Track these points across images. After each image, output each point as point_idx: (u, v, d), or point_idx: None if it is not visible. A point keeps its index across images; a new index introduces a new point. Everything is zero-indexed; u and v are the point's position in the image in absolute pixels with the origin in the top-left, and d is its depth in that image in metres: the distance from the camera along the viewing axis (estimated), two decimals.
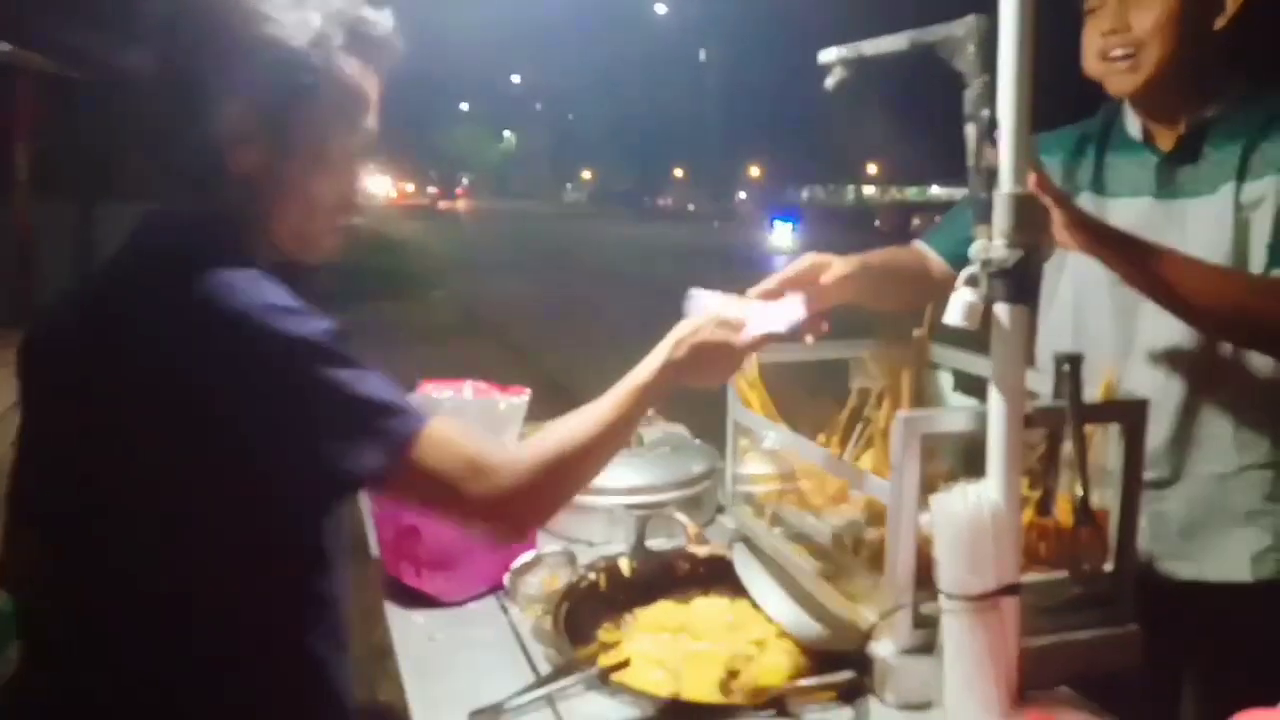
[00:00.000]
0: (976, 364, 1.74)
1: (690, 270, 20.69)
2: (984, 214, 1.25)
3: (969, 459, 1.42)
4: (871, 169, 57.09)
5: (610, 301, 13.95)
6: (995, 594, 1.28)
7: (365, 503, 1.96)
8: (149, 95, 1.16)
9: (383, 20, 1.23)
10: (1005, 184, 1.24)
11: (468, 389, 2.06)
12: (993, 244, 1.25)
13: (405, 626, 1.64)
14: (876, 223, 37.21)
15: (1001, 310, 1.26)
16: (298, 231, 1.23)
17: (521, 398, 2.04)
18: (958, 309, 1.25)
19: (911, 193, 57.82)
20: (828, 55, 1.42)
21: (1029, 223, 1.24)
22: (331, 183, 1.22)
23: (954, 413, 1.48)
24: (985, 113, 1.25)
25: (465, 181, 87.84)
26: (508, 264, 20.64)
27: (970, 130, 1.26)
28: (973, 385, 1.77)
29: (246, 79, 1.12)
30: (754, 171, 58.74)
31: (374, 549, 1.87)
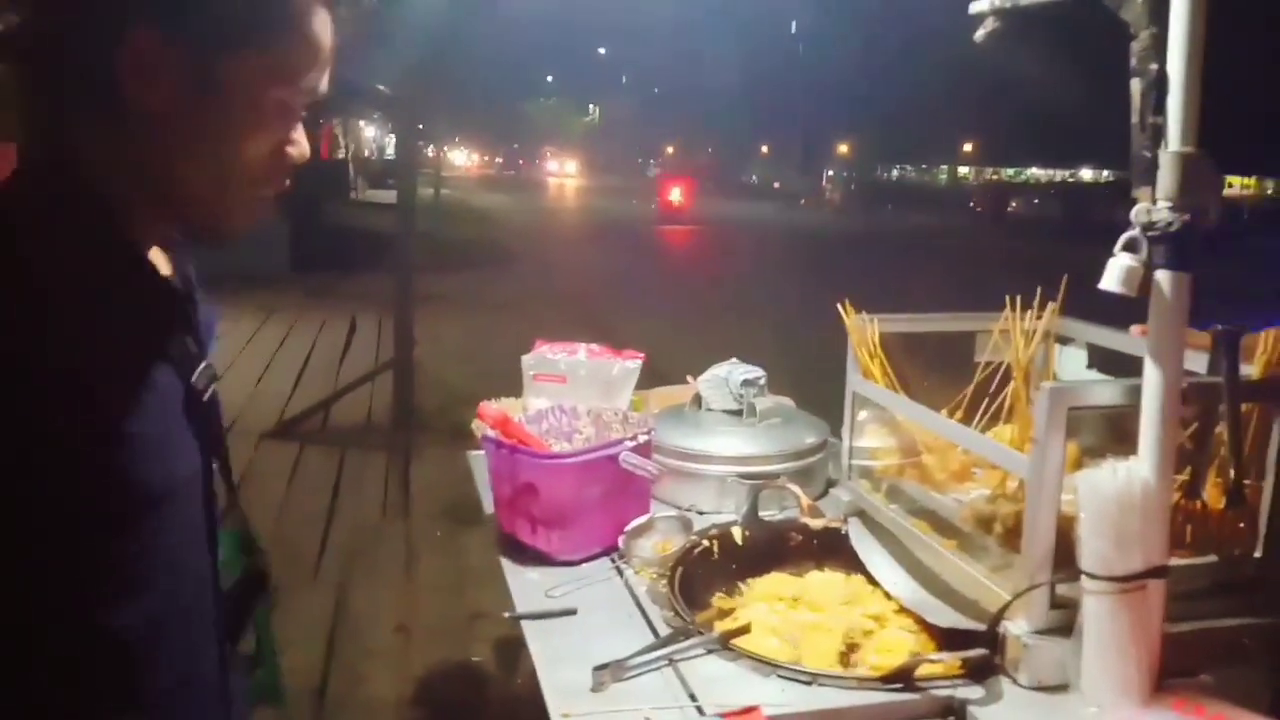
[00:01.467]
0: (1114, 339, 1.68)
1: (772, 248, 20.65)
2: (1148, 174, 1.19)
3: (1110, 436, 1.36)
4: (967, 148, 55.60)
5: (688, 278, 13.90)
6: (1141, 575, 1.23)
7: (481, 461, 1.97)
8: None
9: None
10: (1173, 142, 1.17)
11: (582, 351, 2.06)
12: (1155, 206, 1.19)
13: (522, 583, 1.65)
14: (972, 204, 36.30)
15: (1163, 277, 1.19)
16: (205, 198, 0.95)
17: (635, 361, 2.03)
18: (1115, 274, 1.19)
19: (1009, 173, 56.25)
20: (980, 6, 1.36)
21: (1196, 184, 1.17)
22: (258, 142, 0.95)
23: (1103, 385, 1.41)
24: (1153, 66, 1.18)
25: (549, 154, 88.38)
26: (584, 238, 20.71)
27: (1135, 85, 1.20)
28: (1109, 362, 1.70)
29: None
30: (842, 149, 57.65)
31: (488, 506, 1.88)
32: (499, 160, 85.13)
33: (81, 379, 0.81)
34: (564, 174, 77.24)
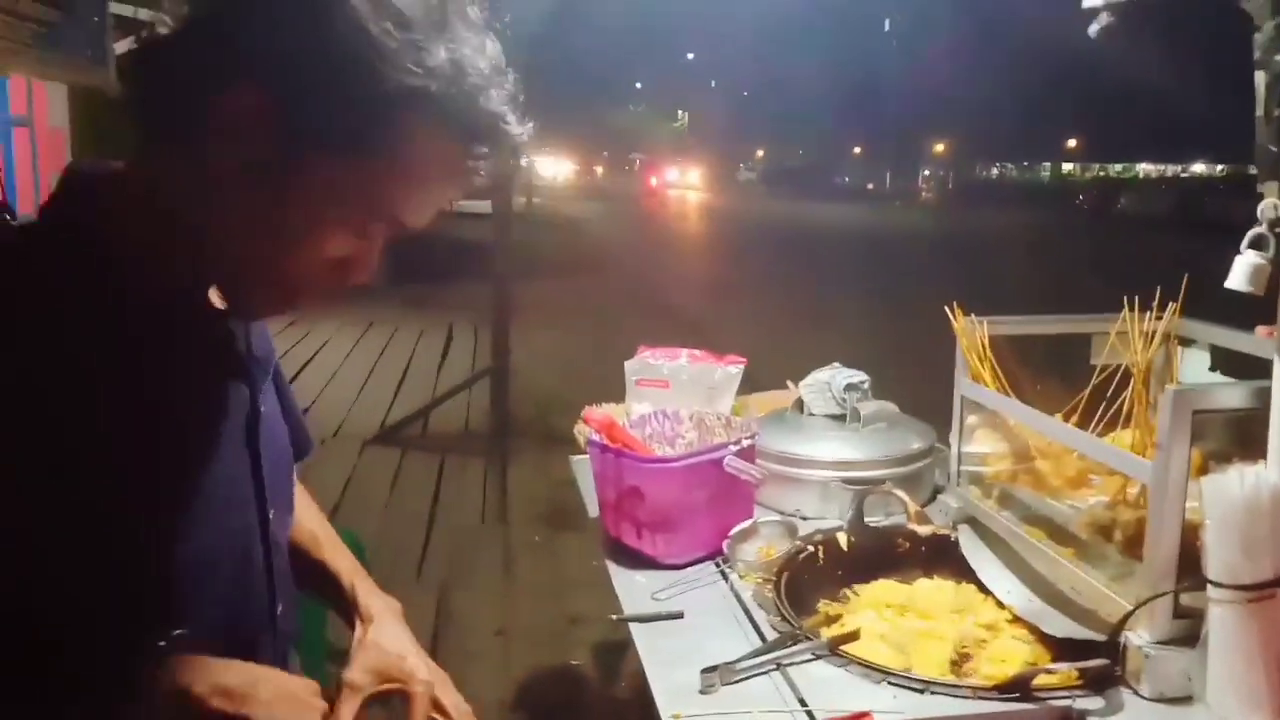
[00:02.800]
0: (1238, 340, 1.62)
1: (869, 251, 20.33)
2: (1275, 169, 1.15)
3: (1235, 440, 1.31)
4: (1070, 143, 53.91)
5: (782, 283, 13.79)
6: (1271, 584, 1.19)
7: (584, 465, 2.01)
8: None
9: (516, 129, 0.91)
10: None
11: (684, 356, 2.07)
12: None
13: (629, 585, 1.67)
14: (1079, 201, 35.19)
15: None
16: (236, 276, 0.91)
17: (738, 366, 2.04)
18: (1242, 272, 1.15)
19: (1116, 169, 54.36)
20: (1093, 0, 1.33)
21: None
22: (314, 248, 0.87)
23: (1229, 388, 1.36)
24: (1278, 58, 1.14)
25: (638, 161, 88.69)
26: (676, 245, 20.71)
27: (1260, 78, 1.16)
28: (1232, 364, 1.64)
29: (294, 53, 0.80)
30: (938, 147, 56.52)
31: (592, 510, 1.91)
32: (597, 169, 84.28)
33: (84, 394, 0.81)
34: (685, 185, 65.35)
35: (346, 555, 1.25)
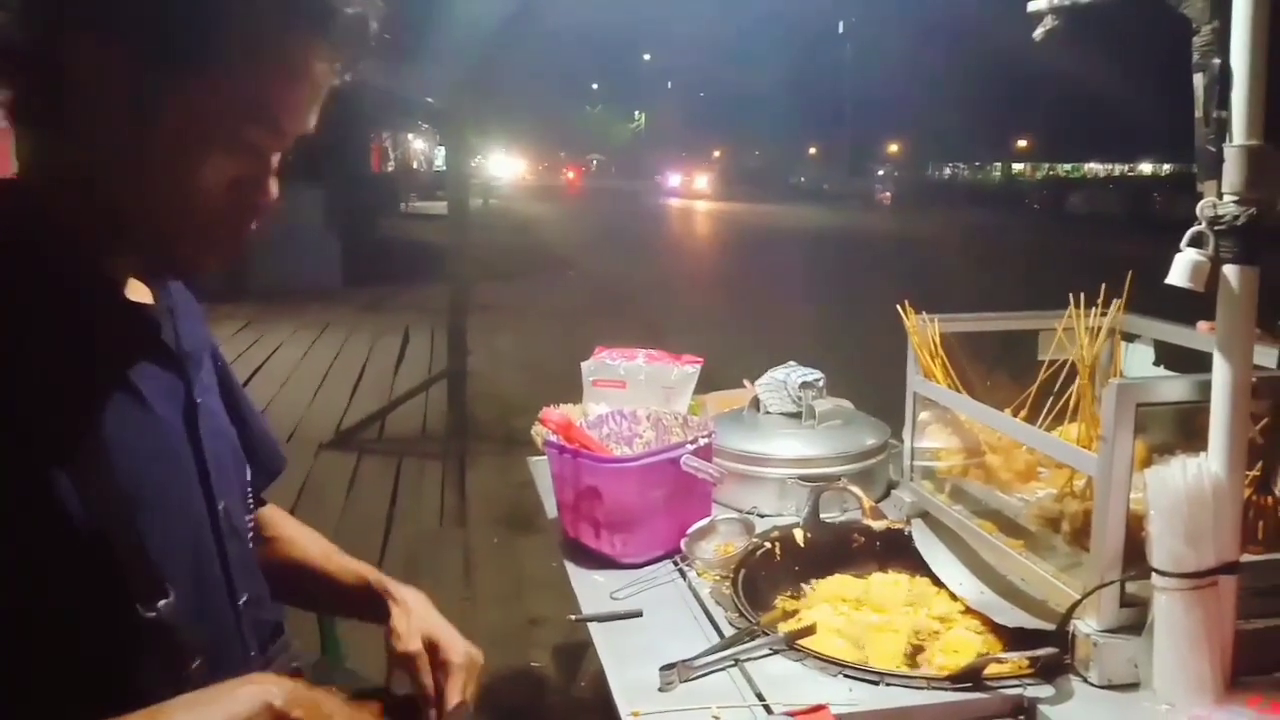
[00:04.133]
0: (1180, 334, 1.66)
1: (824, 250, 20.50)
2: (1213, 169, 1.18)
3: (1178, 432, 1.35)
4: (1020, 144, 54.74)
5: (738, 283, 13.86)
6: (1213, 571, 1.22)
7: (542, 466, 2.01)
8: None
9: (360, 9, 0.91)
10: (1238, 136, 1.16)
11: (640, 356, 2.08)
12: (1221, 201, 1.18)
13: (587, 586, 1.67)
14: (1028, 200, 35.78)
15: (1230, 272, 1.18)
16: (156, 230, 0.90)
17: (694, 366, 2.05)
18: (1182, 269, 1.18)
19: (1066, 169, 55.34)
20: (1038, 4, 1.36)
21: (1262, 177, 1.16)
22: (212, 177, 0.87)
23: (1171, 381, 1.40)
24: (1216, 61, 1.17)
25: (596, 162, 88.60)
26: (636, 245, 20.72)
27: (1198, 80, 1.19)
28: (1175, 358, 1.69)
29: None
30: (893, 148, 57.12)
31: (550, 511, 1.91)
32: (544, 167, 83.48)
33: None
34: (694, 193, 49.65)
35: (362, 562, 1.31)
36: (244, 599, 1.04)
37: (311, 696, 0.90)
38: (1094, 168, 54.09)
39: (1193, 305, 1.39)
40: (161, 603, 0.87)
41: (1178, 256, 1.18)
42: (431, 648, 1.19)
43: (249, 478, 1.15)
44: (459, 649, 1.20)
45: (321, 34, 0.89)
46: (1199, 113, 1.19)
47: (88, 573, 0.82)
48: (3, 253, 0.85)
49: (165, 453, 0.94)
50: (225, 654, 0.98)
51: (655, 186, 55.69)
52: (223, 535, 1.01)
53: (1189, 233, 1.19)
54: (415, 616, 1.21)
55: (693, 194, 48.60)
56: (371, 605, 1.25)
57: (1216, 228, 1.18)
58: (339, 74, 0.94)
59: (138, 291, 0.97)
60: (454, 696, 1.17)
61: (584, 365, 2.18)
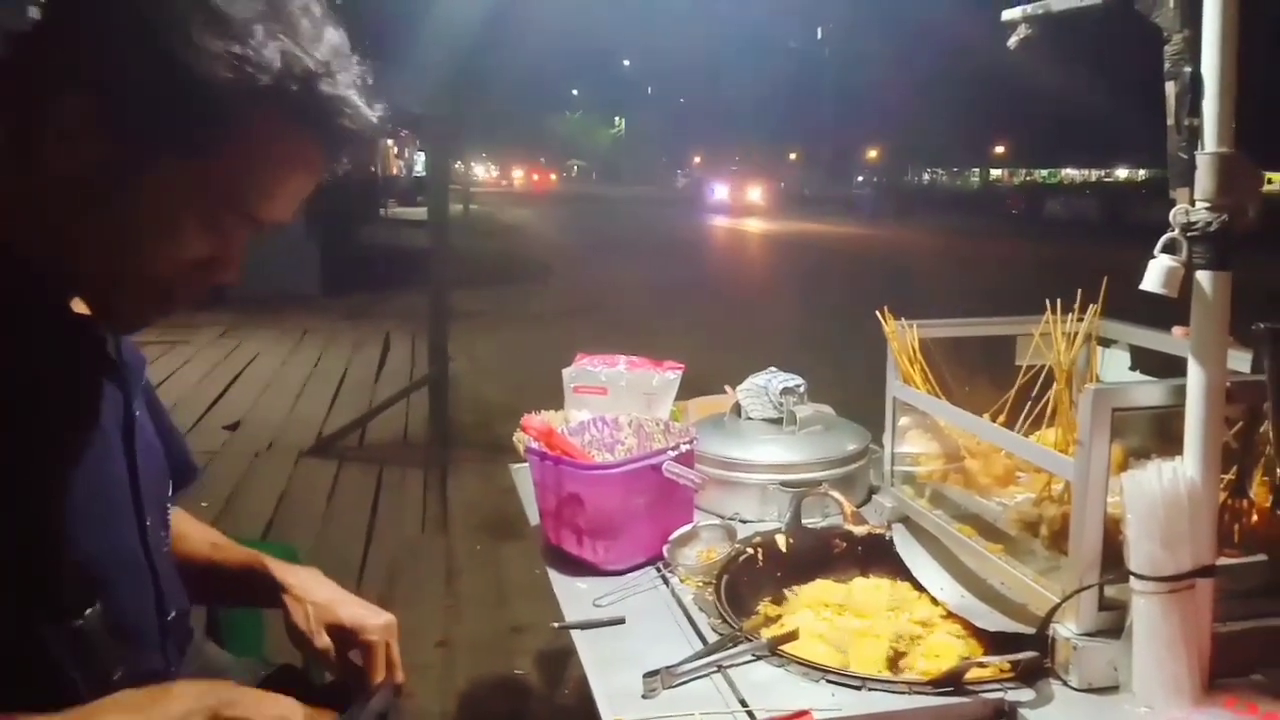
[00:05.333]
0: (1156, 339, 1.68)
1: (804, 255, 20.56)
2: (1185, 176, 1.20)
3: (1155, 436, 1.36)
4: (998, 150, 55.10)
5: (720, 288, 13.87)
6: (1190, 575, 1.24)
7: (524, 473, 2.00)
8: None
9: (363, 111, 0.91)
10: (1209, 143, 1.18)
11: (622, 363, 2.08)
12: (1194, 207, 1.19)
13: (570, 593, 1.66)
14: (1007, 205, 36.04)
15: (1203, 277, 1.20)
16: (93, 281, 0.90)
17: (675, 372, 2.05)
18: (1156, 275, 1.20)
19: (1043, 175, 55.77)
20: (1012, 14, 1.37)
21: (1234, 185, 1.18)
22: (169, 250, 0.88)
23: (1147, 386, 1.41)
24: (1187, 69, 1.19)
25: (577, 168, 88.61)
26: (617, 251, 20.68)
27: (1170, 88, 1.20)
28: (1151, 363, 1.70)
29: (120, 59, 0.81)
30: (872, 154, 57.40)
31: (533, 518, 1.91)
32: (518, 174, 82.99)
33: None
34: (748, 207, 37.72)
35: (248, 549, 1.29)
36: (172, 614, 1.04)
37: (248, 698, 0.91)
38: (1070, 173, 54.61)
39: (1170, 310, 1.40)
40: (88, 611, 0.86)
41: (1151, 263, 1.20)
42: (343, 630, 1.19)
43: (170, 492, 1.14)
44: (371, 625, 1.20)
45: (317, 140, 0.90)
46: (1171, 120, 1.20)
47: (14, 579, 0.82)
48: None
49: (103, 465, 0.94)
50: (146, 666, 0.98)
51: (682, 196, 43.68)
52: (151, 550, 1.00)
53: (1162, 239, 1.20)
54: (313, 606, 1.21)
55: (747, 209, 36.66)
56: (265, 592, 1.24)
57: (1189, 234, 1.19)
58: (330, 172, 0.94)
59: (79, 303, 0.96)
60: (379, 674, 1.18)
61: (565, 372, 2.18)
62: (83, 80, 0.81)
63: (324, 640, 1.19)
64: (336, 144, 0.92)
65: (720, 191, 40.02)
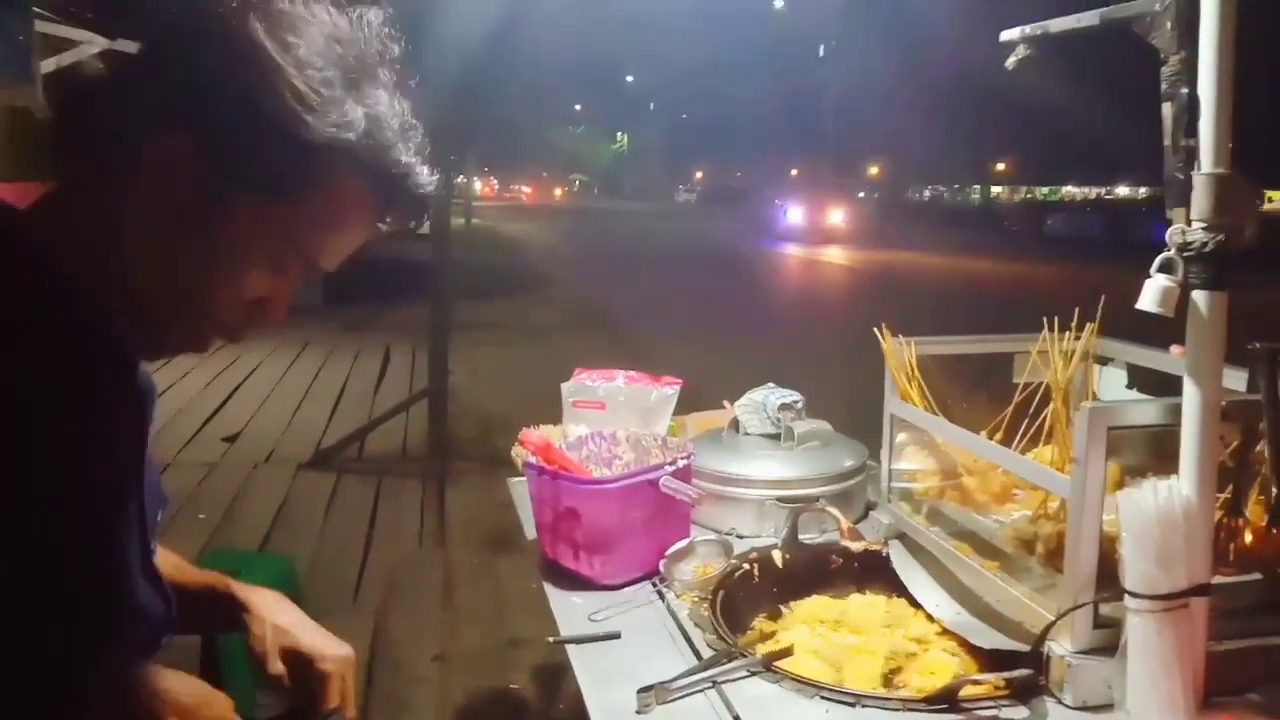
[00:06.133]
0: (1153, 358, 1.68)
1: (803, 271, 20.50)
2: (1181, 196, 1.20)
3: (1151, 455, 1.36)
4: (1000, 167, 55.17)
5: (719, 303, 13.87)
6: (1185, 594, 1.23)
7: (522, 487, 2.00)
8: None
9: (425, 179, 0.98)
10: (1206, 164, 1.19)
11: (620, 378, 2.08)
12: (1190, 227, 1.20)
13: (566, 607, 1.67)
14: (1006, 223, 36.06)
15: (1199, 297, 1.20)
16: (155, 308, 0.93)
17: (673, 388, 2.05)
18: (1152, 294, 1.20)
19: (1044, 192, 55.88)
20: (1010, 34, 1.39)
21: (1230, 205, 1.18)
22: (233, 285, 0.93)
23: (1143, 404, 1.42)
24: (1184, 90, 1.20)
25: (579, 182, 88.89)
26: (616, 264, 20.68)
27: (1167, 109, 1.21)
28: (1149, 382, 1.71)
29: (218, 105, 0.86)
30: (873, 170, 57.54)
31: (530, 532, 1.91)
32: (521, 188, 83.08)
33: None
34: (828, 233, 29.13)
35: (210, 571, 1.28)
36: (166, 640, 1.04)
37: None
38: (1071, 190, 54.70)
39: (1169, 329, 1.40)
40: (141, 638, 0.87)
41: (1147, 282, 1.20)
42: (300, 657, 1.19)
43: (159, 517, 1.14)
44: (329, 654, 1.21)
45: (384, 199, 0.97)
46: (1168, 141, 1.21)
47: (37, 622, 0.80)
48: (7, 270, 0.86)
49: (122, 495, 0.93)
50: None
51: (745, 219, 34.09)
52: (152, 574, 1.01)
53: (1159, 259, 1.21)
54: (271, 629, 1.21)
55: (827, 235, 28.93)
56: (227, 613, 1.24)
57: (1185, 254, 1.20)
58: (384, 229, 1.01)
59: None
60: (331, 703, 1.18)
61: (564, 386, 2.19)
62: (179, 121, 0.86)
63: (278, 666, 1.19)
64: (396, 205, 0.99)
65: (794, 214, 30.23)
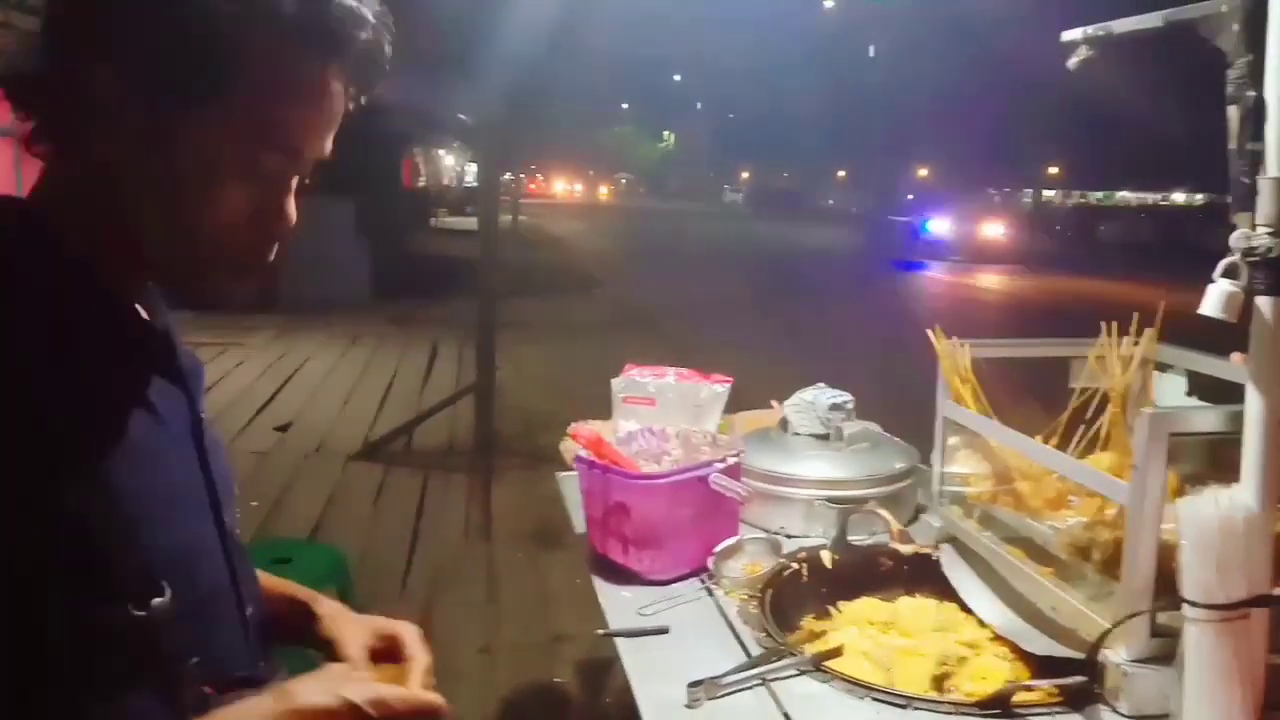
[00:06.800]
0: (1214, 365, 1.66)
1: (850, 274, 20.25)
2: (1247, 200, 1.19)
3: (1209, 463, 1.35)
4: (1052, 170, 54.29)
5: (767, 303, 13.81)
6: (1245, 604, 1.22)
7: (570, 482, 2.02)
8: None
9: (366, 15, 0.90)
10: (1272, 168, 1.17)
11: (671, 374, 2.09)
12: (1255, 232, 1.18)
13: (614, 601, 1.68)
14: (1058, 227, 35.43)
15: (1263, 303, 1.19)
16: (170, 257, 0.91)
17: (724, 385, 2.06)
18: (1215, 300, 1.18)
19: (1097, 197, 54.93)
20: (1072, 35, 1.37)
21: None
22: (227, 205, 0.89)
23: (1204, 411, 1.40)
24: (1250, 93, 1.18)
25: (624, 180, 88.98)
26: (663, 263, 20.62)
27: (1232, 112, 1.20)
28: (1208, 389, 1.68)
29: (127, 17, 0.82)
30: (922, 173, 56.95)
31: (578, 526, 1.92)
32: (574, 185, 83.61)
33: (41, 410, 0.81)
34: (983, 249, 23.47)
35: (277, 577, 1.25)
36: (249, 610, 1.07)
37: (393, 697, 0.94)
38: (1126, 196, 53.70)
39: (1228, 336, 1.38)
40: (155, 601, 0.88)
41: (1210, 287, 1.19)
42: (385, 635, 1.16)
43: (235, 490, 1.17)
44: (409, 635, 1.16)
45: (336, 60, 0.90)
46: (1233, 145, 1.19)
47: (84, 574, 0.83)
48: (21, 271, 0.86)
49: (176, 468, 0.95)
50: (233, 656, 1.00)
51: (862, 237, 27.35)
52: (230, 550, 1.03)
53: (1222, 264, 1.19)
54: (351, 623, 1.16)
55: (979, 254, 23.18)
56: (301, 625, 1.19)
57: (1250, 259, 1.18)
58: (354, 98, 0.95)
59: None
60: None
61: (614, 382, 2.20)
62: (101, 50, 0.83)
63: (356, 654, 1.16)
64: (343, 55, 0.91)
65: (940, 226, 24.12)
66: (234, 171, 0.88)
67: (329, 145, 0.94)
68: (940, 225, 24.45)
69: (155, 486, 0.91)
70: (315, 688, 0.93)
